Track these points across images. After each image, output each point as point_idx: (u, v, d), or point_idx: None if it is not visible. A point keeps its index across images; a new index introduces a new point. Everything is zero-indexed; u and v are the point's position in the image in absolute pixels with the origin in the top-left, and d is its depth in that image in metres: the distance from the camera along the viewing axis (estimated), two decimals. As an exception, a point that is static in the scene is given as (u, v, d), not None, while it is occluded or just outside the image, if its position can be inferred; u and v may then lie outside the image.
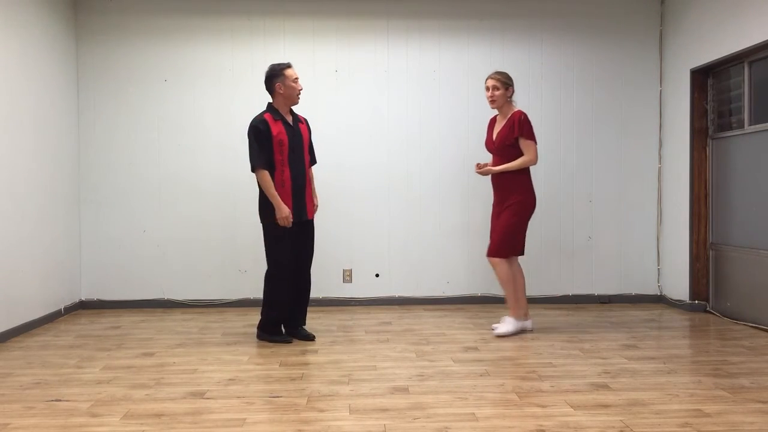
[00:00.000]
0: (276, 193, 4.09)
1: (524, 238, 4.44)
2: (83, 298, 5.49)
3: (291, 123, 4.23)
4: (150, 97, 5.48)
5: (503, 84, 4.37)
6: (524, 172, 4.39)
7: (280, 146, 4.12)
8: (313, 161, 4.44)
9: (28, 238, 4.63)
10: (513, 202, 4.35)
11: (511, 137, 4.32)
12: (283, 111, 4.22)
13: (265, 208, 4.15)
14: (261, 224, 4.23)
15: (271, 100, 4.25)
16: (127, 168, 5.48)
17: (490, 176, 4.48)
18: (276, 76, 4.17)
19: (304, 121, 4.37)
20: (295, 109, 4.37)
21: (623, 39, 5.62)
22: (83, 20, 5.44)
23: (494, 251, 4.38)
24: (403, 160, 5.52)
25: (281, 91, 4.18)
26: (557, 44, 5.61)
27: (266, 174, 4.09)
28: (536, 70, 5.61)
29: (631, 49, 5.62)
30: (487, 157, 4.71)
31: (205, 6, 5.49)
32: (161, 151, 5.50)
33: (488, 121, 4.64)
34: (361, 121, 5.57)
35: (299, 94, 4.25)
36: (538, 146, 4.49)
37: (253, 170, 4.13)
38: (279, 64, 4.22)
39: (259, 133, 4.09)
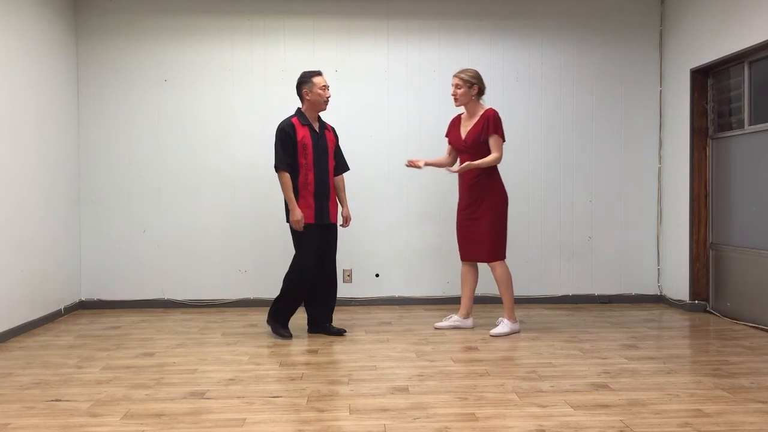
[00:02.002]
0: (293, 197, 4.22)
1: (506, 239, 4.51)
2: (83, 298, 5.49)
3: (317, 129, 4.34)
4: (150, 96, 5.48)
5: (465, 82, 4.38)
6: (497, 170, 4.43)
7: (305, 150, 4.24)
8: (345, 168, 4.54)
9: (28, 238, 4.63)
10: (493, 202, 4.37)
11: (484, 135, 4.33)
12: (310, 117, 4.34)
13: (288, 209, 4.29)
14: (288, 224, 4.36)
15: (300, 105, 4.38)
16: (127, 168, 5.48)
17: (456, 178, 4.51)
18: (304, 83, 4.30)
19: (330, 129, 4.48)
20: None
21: (623, 39, 5.62)
22: (83, 20, 5.44)
23: (492, 255, 4.40)
24: (402, 160, 5.50)
25: (308, 97, 4.30)
26: (557, 44, 5.61)
27: (286, 176, 4.22)
28: (536, 70, 5.61)
29: (631, 49, 5.62)
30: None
31: (205, 6, 5.49)
32: (161, 150, 5.50)
33: (450, 122, 4.63)
34: (361, 121, 5.57)
35: (326, 101, 4.35)
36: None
37: (275, 170, 4.25)
38: (309, 71, 4.36)
39: (284, 135, 4.23)
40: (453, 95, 4.44)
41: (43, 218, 4.86)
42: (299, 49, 5.51)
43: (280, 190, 4.28)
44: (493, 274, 4.45)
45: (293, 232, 4.31)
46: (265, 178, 5.26)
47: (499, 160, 4.33)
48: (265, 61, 5.52)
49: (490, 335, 4.36)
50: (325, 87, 4.32)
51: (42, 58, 4.88)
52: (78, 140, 5.45)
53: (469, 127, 4.43)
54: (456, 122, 4.57)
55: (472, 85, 4.38)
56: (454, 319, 4.62)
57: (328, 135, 4.41)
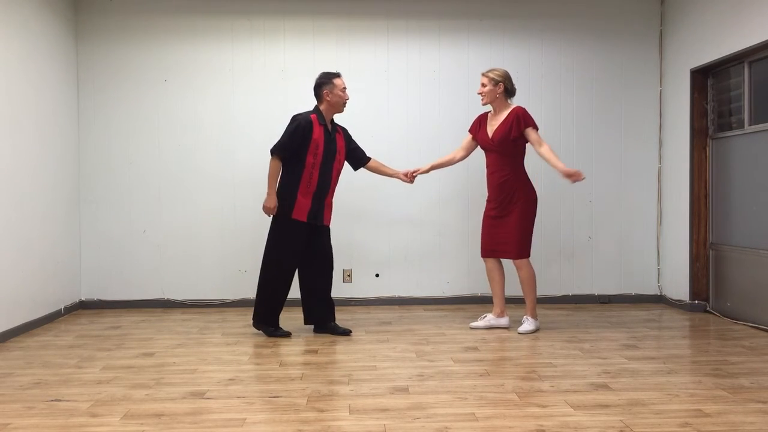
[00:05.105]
0: (275, 184, 4.26)
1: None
2: (83, 298, 5.49)
3: (330, 131, 4.34)
4: (150, 97, 5.48)
5: (491, 80, 4.42)
6: (524, 170, 4.49)
7: (316, 149, 4.23)
8: (366, 157, 4.60)
9: (28, 238, 4.63)
10: (524, 201, 4.42)
11: (515, 132, 4.36)
12: (327, 118, 4.34)
13: (280, 200, 4.26)
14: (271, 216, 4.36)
15: (317, 104, 4.37)
16: (126, 168, 5.48)
17: (486, 174, 4.56)
18: (325, 84, 4.30)
19: (341, 132, 4.47)
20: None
21: (623, 39, 5.62)
22: (83, 20, 5.44)
23: (519, 253, 4.43)
24: (403, 160, 5.51)
25: (329, 99, 4.30)
26: (557, 44, 5.61)
27: (277, 163, 4.25)
28: (536, 70, 5.61)
29: (631, 49, 5.62)
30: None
31: (205, 6, 5.49)
32: (161, 151, 5.50)
33: (476, 119, 4.66)
34: (361, 121, 5.54)
35: (345, 103, 4.36)
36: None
37: (271, 153, 4.27)
38: (329, 72, 4.36)
39: (299, 129, 4.21)
40: (479, 93, 4.49)
41: (43, 218, 4.86)
42: (299, 49, 5.51)
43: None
44: (519, 273, 4.50)
45: (277, 226, 4.29)
46: (265, 178, 5.25)
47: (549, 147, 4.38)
48: (265, 61, 5.52)
49: (519, 333, 4.41)
50: (345, 89, 4.34)
51: (42, 58, 4.88)
52: (78, 140, 5.45)
53: (495, 126, 4.46)
54: (483, 120, 4.59)
55: (497, 84, 4.41)
56: (489, 318, 4.62)
57: (339, 139, 4.40)
